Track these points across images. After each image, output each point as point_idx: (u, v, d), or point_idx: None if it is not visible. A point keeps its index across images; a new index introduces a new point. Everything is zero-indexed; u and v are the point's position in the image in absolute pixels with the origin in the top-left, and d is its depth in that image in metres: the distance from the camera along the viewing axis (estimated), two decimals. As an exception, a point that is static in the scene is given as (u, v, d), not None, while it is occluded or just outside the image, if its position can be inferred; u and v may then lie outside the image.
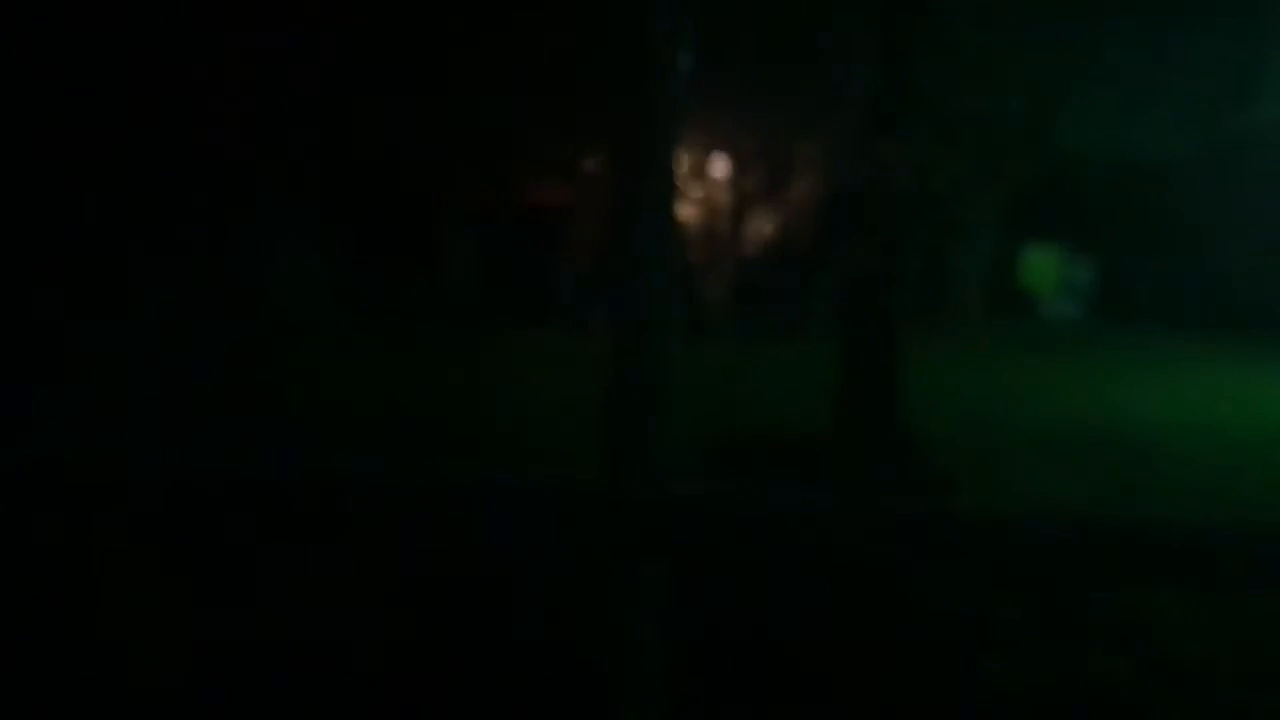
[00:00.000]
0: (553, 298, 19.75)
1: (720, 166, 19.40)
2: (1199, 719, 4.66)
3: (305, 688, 3.92)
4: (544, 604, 4.02)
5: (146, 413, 9.59)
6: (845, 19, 10.84)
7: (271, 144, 17.19)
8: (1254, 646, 5.06)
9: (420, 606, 4.25)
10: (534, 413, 11.08)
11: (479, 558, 4.19)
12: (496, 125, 17.20)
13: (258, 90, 16.29)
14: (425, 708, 3.93)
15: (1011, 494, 8.94)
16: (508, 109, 16.47)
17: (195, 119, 16.48)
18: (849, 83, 11.29)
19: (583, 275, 19.33)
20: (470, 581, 4.29)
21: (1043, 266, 25.51)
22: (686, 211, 18.56)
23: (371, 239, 19.27)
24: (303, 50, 15.74)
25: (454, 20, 14.99)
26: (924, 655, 4.68)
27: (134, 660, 4.01)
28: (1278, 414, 13.70)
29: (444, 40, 15.42)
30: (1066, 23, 10.53)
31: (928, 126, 10.85)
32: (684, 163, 18.30)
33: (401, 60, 15.83)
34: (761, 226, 19.72)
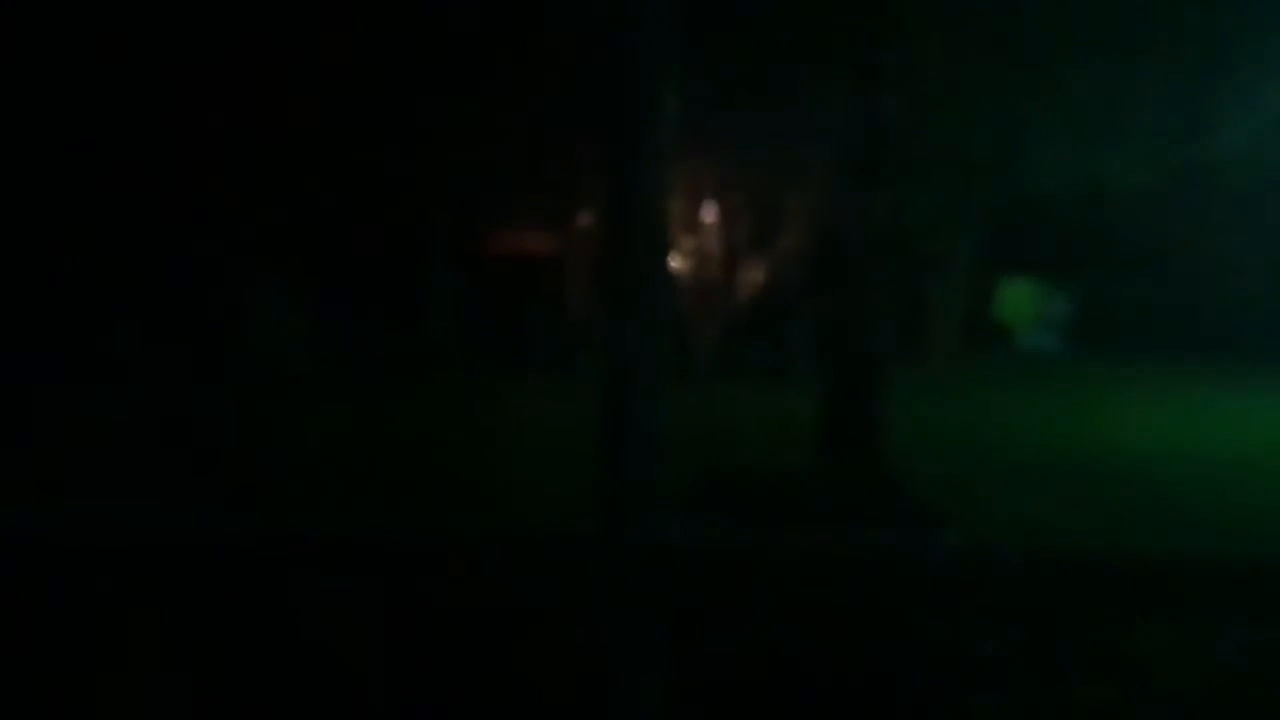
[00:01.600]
0: (534, 347, 19.80)
1: (710, 215, 19.60)
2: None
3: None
4: (538, 653, 4.03)
5: (114, 473, 9.54)
6: (817, 66, 10.99)
7: (253, 195, 17.22)
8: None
9: (412, 661, 4.24)
10: (514, 460, 11.11)
11: (475, 608, 4.20)
12: (481, 173, 17.27)
13: (239, 140, 16.32)
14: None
15: (996, 526, 8.97)
16: (493, 157, 16.54)
17: (176, 170, 16.49)
18: (825, 133, 11.45)
19: (566, 324, 19.43)
20: (465, 631, 4.29)
21: (1019, 299, 25.67)
22: (679, 262, 18.74)
23: (355, 288, 19.30)
24: (285, 99, 15.79)
25: (439, 68, 15.07)
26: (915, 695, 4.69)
27: None
28: (1255, 440, 13.79)
29: (428, 87, 15.50)
30: (1032, 59, 10.69)
31: (900, 165, 10.98)
32: (674, 213, 18.43)
33: (385, 107, 15.90)
34: (752, 274, 19.92)
